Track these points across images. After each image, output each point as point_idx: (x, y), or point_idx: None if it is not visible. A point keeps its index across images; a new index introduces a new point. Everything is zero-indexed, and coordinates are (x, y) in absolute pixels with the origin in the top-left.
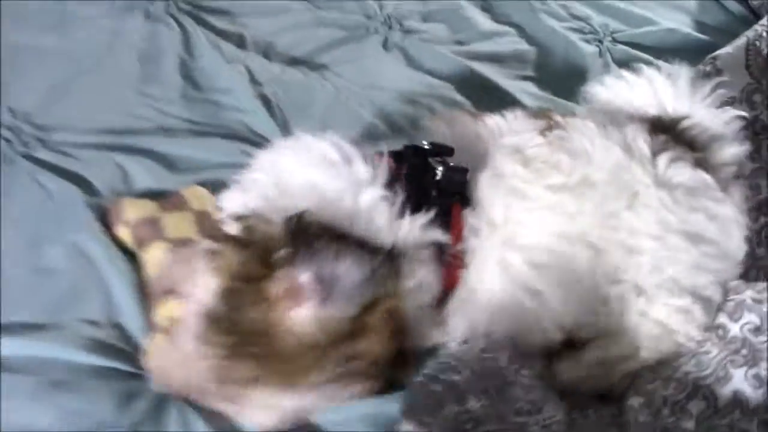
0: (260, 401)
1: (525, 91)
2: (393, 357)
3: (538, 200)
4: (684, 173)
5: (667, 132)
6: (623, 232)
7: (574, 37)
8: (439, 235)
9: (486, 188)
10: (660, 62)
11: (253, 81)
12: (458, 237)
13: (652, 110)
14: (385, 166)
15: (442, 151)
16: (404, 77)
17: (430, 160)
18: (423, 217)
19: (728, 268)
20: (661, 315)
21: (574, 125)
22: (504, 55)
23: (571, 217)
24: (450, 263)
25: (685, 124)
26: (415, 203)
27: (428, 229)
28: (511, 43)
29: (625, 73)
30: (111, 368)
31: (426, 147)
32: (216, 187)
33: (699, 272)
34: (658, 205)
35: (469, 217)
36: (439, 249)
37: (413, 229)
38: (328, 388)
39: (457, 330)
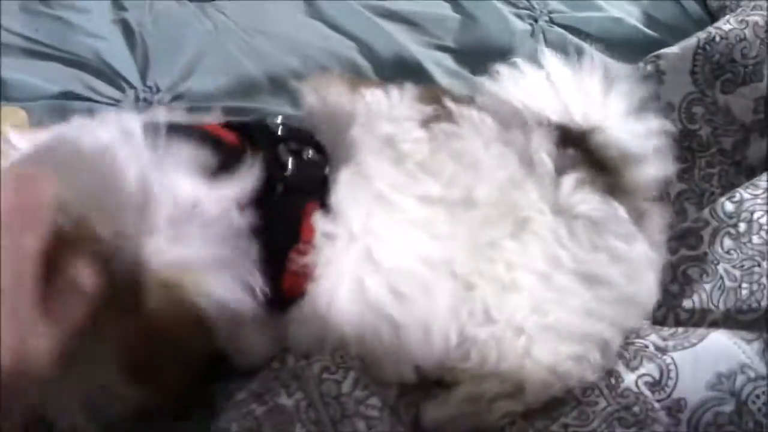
0: None
1: (439, 63)
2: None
3: (405, 212)
4: (590, 202)
5: (576, 145)
6: (500, 265)
7: (506, 10)
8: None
9: (346, 188)
10: (592, 50)
11: (117, 3)
12: (307, 243)
13: (554, 115)
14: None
15: (297, 136)
16: (300, 26)
17: (281, 147)
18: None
19: (633, 314)
20: (548, 359)
21: (470, 119)
22: (423, 18)
23: (440, 241)
24: (294, 270)
25: (596, 137)
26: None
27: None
28: (433, 5)
29: (519, 61)
30: None
31: (278, 131)
32: (44, 119)
33: (592, 319)
34: (550, 238)
35: (323, 223)
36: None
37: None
38: None
39: (296, 344)
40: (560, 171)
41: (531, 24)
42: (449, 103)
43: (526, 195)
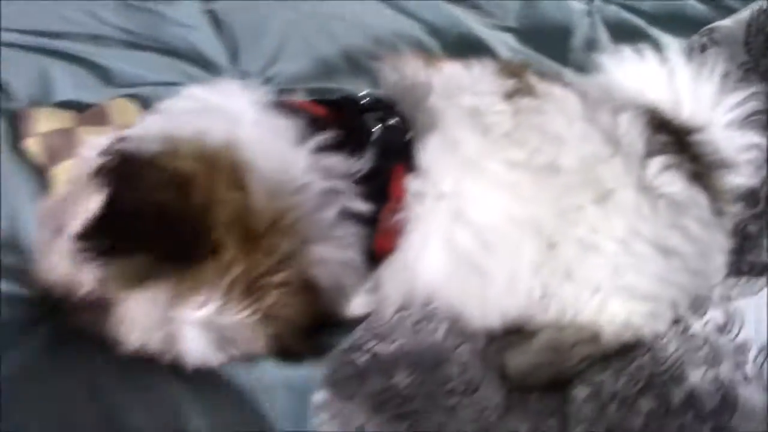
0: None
1: (504, 42)
2: (306, 320)
3: (493, 175)
4: (675, 184)
5: (672, 135)
6: (583, 228)
7: None
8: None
9: (435, 154)
10: (656, 31)
11: None
12: (398, 202)
13: (667, 107)
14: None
15: (381, 106)
16: (372, 11)
17: (367, 116)
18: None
19: (700, 285)
20: (621, 314)
21: (553, 97)
22: (486, 4)
23: (526, 201)
24: (385, 228)
25: (697, 136)
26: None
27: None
28: None
29: (647, 51)
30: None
31: (363, 103)
32: (147, 105)
33: (664, 284)
34: (633, 210)
35: (413, 183)
36: (373, 212)
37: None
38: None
39: (390, 298)
40: (650, 153)
41: (587, 3)
42: (531, 79)
43: (611, 169)
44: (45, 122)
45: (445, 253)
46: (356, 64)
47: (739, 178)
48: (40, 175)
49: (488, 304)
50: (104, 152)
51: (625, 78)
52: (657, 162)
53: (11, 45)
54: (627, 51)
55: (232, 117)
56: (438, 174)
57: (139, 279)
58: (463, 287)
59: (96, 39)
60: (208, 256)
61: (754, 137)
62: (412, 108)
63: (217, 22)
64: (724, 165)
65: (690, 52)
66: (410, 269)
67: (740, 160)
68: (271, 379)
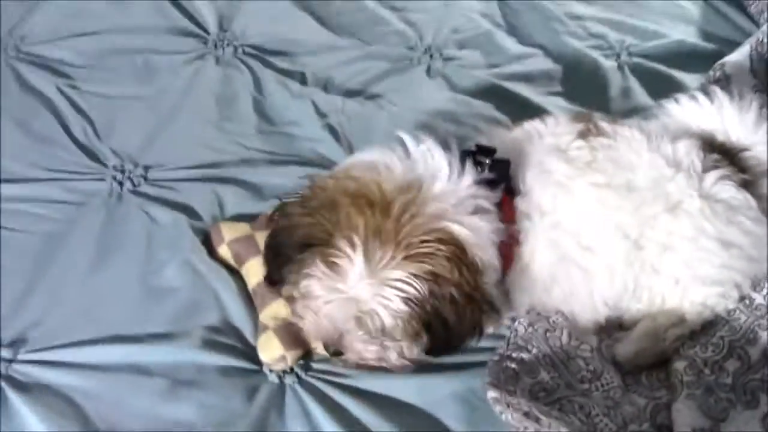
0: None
1: (556, 105)
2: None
3: (582, 193)
4: (729, 191)
5: (724, 154)
6: (661, 232)
7: (595, 53)
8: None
9: (534, 181)
10: (675, 72)
11: (319, 113)
12: (512, 219)
13: (719, 135)
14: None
15: (486, 151)
16: (448, 100)
17: (478, 156)
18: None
19: (757, 269)
20: (699, 298)
21: (623, 135)
22: (533, 75)
23: (613, 210)
24: (506, 243)
25: (744, 154)
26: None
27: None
28: (538, 63)
29: (698, 94)
30: (233, 367)
31: (473, 149)
32: None
33: (729, 270)
34: (698, 214)
35: (520, 204)
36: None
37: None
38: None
39: (519, 304)
40: (706, 169)
41: (616, 60)
42: (601, 123)
43: (677, 184)
44: (228, 232)
45: (552, 256)
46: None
47: None
48: (235, 274)
49: (593, 296)
50: None
51: (684, 116)
52: (713, 175)
53: (185, 179)
54: (682, 96)
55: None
56: (538, 195)
57: None
58: (571, 283)
59: (246, 162)
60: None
61: None
62: (507, 152)
63: (334, 132)
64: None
65: (710, 85)
66: (526, 274)
67: None
68: (438, 394)
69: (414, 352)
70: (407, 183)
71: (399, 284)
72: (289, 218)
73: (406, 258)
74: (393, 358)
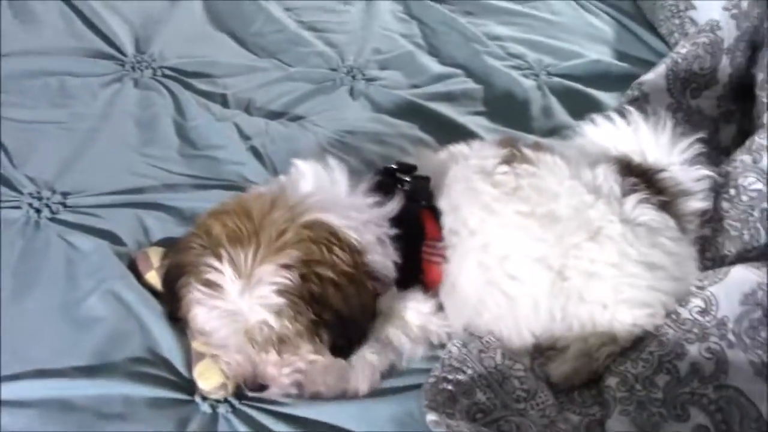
0: None
1: (479, 125)
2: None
3: (509, 219)
4: (648, 214)
5: (641, 176)
6: (585, 261)
7: (515, 73)
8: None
9: (461, 197)
10: (593, 91)
11: (243, 135)
12: (437, 237)
13: (635, 156)
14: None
15: (407, 169)
16: (372, 120)
17: (398, 175)
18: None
19: (682, 288)
20: (628, 320)
21: (545, 163)
22: (455, 95)
23: (537, 242)
24: (429, 260)
25: (661, 175)
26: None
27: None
28: (460, 83)
29: (615, 116)
30: (162, 397)
31: (394, 167)
32: None
33: (655, 291)
34: (620, 239)
35: (447, 221)
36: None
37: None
38: None
39: (454, 323)
40: (625, 193)
41: (534, 79)
42: (524, 150)
43: (597, 211)
44: (156, 258)
45: (481, 280)
46: (371, 164)
47: (697, 203)
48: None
49: (519, 324)
50: None
51: (601, 137)
52: (632, 199)
53: (107, 205)
54: (599, 118)
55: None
56: (466, 214)
57: None
58: (498, 309)
59: (169, 187)
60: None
61: (705, 170)
62: (431, 171)
63: (258, 155)
64: (684, 194)
65: (628, 103)
66: (455, 294)
67: (696, 189)
68: (376, 418)
69: (320, 354)
70: (274, 193)
71: (269, 278)
72: (176, 254)
73: (270, 252)
74: (311, 376)
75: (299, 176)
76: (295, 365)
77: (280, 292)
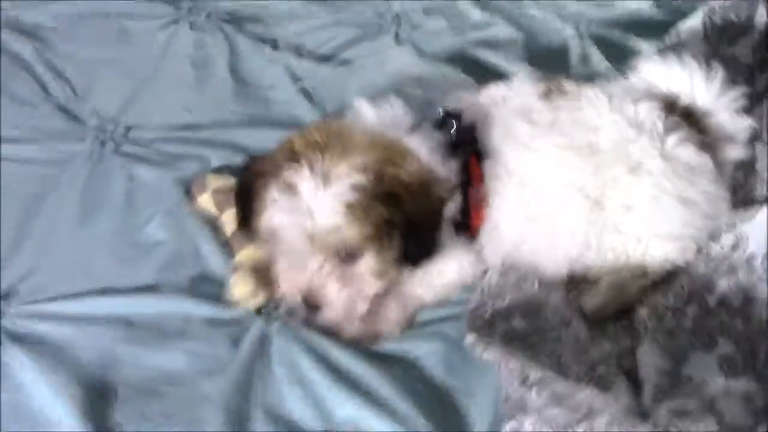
0: None
1: (520, 70)
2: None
3: (545, 154)
4: (689, 153)
5: (686, 117)
6: (622, 193)
7: (557, 22)
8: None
9: (501, 143)
10: (632, 39)
11: (293, 77)
12: (480, 180)
13: (684, 98)
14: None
15: (453, 116)
16: (416, 65)
17: (446, 120)
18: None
19: (712, 225)
20: (660, 254)
21: (586, 96)
22: (497, 41)
23: (575, 172)
24: (474, 203)
25: (707, 119)
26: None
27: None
28: (501, 30)
29: (670, 57)
30: (218, 318)
31: (441, 114)
32: None
33: (688, 227)
34: (659, 174)
35: (488, 166)
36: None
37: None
38: None
39: (490, 258)
40: (667, 130)
41: (575, 28)
42: (567, 85)
43: (639, 145)
44: (213, 183)
45: (520, 216)
46: (415, 105)
47: (736, 151)
48: (212, 222)
49: (557, 254)
50: None
51: (654, 76)
52: (674, 137)
53: (169, 139)
54: (655, 58)
55: None
56: (504, 157)
57: None
58: (537, 241)
59: (224, 123)
60: None
61: (749, 120)
62: (474, 116)
63: (308, 96)
64: (727, 140)
65: (667, 50)
66: (496, 234)
67: (738, 138)
68: (421, 347)
69: (387, 260)
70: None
71: (344, 176)
72: (255, 163)
73: (346, 155)
74: (366, 290)
75: (363, 113)
76: (355, 283)
77: (354, 188)
